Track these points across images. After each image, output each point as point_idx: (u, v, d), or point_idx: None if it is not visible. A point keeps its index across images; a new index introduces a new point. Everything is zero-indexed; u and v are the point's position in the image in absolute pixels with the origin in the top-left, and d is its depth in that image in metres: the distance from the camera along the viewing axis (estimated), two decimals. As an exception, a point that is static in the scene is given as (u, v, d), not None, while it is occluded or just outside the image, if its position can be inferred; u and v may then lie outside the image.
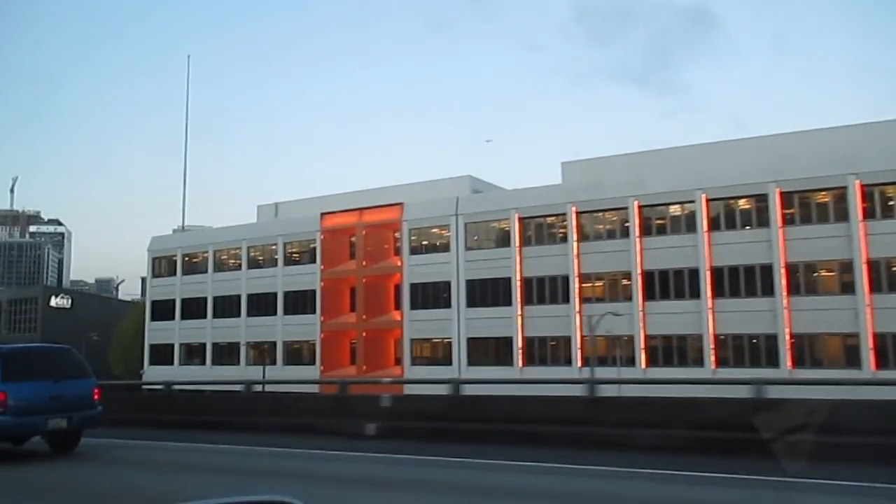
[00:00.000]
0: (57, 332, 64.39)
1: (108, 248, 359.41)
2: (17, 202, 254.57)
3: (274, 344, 50.31)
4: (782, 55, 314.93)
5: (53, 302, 65.50)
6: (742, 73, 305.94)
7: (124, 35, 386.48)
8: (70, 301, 67.44)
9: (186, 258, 56.11)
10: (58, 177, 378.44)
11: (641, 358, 38.24)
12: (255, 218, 58.09)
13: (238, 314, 52.11)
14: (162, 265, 57.75)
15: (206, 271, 54.69)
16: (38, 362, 11.54)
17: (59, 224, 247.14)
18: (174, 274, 56.31)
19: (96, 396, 11.67)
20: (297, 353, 50.03)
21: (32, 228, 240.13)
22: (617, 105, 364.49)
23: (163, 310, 56.29)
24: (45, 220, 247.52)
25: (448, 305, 44.01)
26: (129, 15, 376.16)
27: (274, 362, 49.37)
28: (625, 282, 39.75)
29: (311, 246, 50.06)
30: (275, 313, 50.35)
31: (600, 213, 40.96)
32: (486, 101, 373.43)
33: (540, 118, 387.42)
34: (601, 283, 40.72)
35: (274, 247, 52.08)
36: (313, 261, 49.51)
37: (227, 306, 52.99)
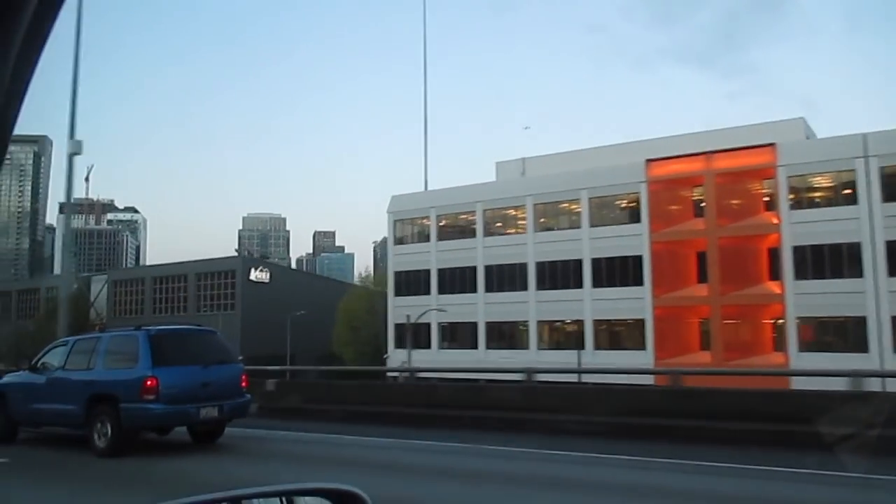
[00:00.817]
0: (256, 311, 55.72)
1: (179, 235, 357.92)
2: (92, 191, 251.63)
3: (578, 324, 40.64)
4: (854, 33, 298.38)
5: (253, 275, 56.62)
6: (812, 53, 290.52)
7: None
8: (269, 275, 58.59)
9: (443, 220, 46.69)
10: (131, 165, 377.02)
11: None
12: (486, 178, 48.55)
13: (522, 287, 42.56)
14: (407, 229, 48.42)
15: (470, 235, 45.19)
16: (186, 346, 10.55)
17: (136, 212, 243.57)
18: (426, 240, 46.92)
19: (244, 384, 10.76)
20: (616, 336, 40.34)
21: (109, 216, 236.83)
22: (680, 87, 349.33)
23: (411, 283, 46.94)
24: (121, 207, 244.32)
25: (858, 274, 33.85)
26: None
27: (580, 346, 39.60)
28: None
29: (628, 203, 40.28)
30: (579, 286, 40.66)
31: None
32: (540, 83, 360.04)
33: (599, 100, 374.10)
34: None
35: (566, 205, 42.45)
36: (634, 220, 39.69)
37: (504, 277, 43.45)
